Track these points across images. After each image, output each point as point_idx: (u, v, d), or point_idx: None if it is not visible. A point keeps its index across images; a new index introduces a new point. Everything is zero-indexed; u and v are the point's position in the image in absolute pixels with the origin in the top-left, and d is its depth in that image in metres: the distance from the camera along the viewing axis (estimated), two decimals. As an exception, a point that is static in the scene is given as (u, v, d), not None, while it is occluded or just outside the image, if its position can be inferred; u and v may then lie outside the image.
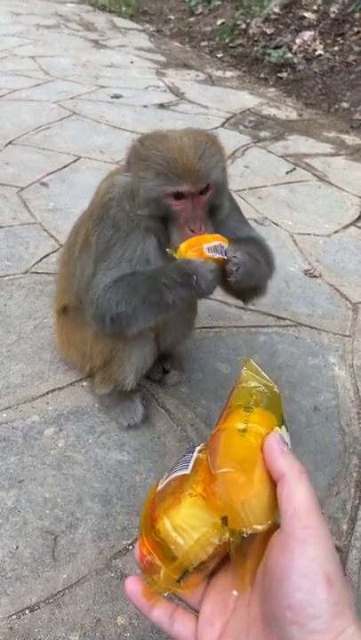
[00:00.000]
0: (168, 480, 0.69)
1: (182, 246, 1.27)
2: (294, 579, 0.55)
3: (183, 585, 0.65)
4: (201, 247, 1.25)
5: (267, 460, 0.62)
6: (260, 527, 0.60)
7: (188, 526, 0.62)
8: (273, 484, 0.61)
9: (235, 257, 1.26)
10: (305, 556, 0.55)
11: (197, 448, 0.72)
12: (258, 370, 0.74)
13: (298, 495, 0.59)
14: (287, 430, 0.68)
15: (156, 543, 0.64)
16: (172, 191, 1.26)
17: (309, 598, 0.54)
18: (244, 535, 0.61)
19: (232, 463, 0.61)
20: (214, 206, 1.35)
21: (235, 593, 0.64)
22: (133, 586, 0.68)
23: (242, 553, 0.62)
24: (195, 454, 0.70)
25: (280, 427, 0.66)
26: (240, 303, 2.21)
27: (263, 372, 0.73)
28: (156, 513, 0.66)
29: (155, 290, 1.30)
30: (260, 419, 0.66)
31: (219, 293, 1.94)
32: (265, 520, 0.61)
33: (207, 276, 1.24)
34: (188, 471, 0.68)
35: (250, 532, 0.61)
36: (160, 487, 0.70)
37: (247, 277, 1.29)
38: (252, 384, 0.71)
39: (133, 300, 1.34)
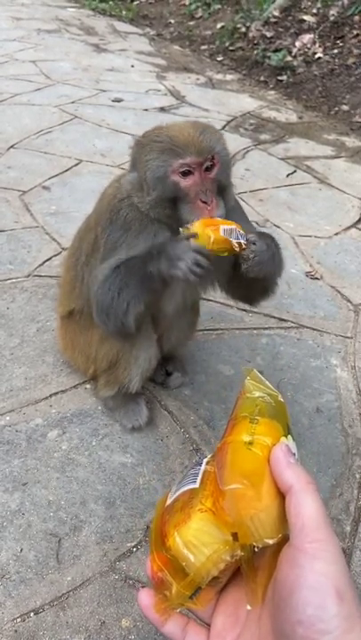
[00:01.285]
0: (177, 494, 0.68)
1: (197, 223, 1.22)
2: (304, 594, 0.54)
3: (196, 601, 0.64)
4: (218, 227, 1.21)
5: (274, 473, 0.61)
6: (270, 541, 0.60)
7: (199, 543, 0.62)
8: (282, 496, 0.61)
9: (254, 244, 1.24)
10: (314, 571, 0.55)
11: (205, 460, 0.71)
12: (262, 379, 0.73)
13: (306, 508, 0.58)
14: (294, 439, 0.68)
15: (168, 560, 0.64)
16: (178, 164, 1.26)
17: (320, 613, 0.53)
18: (255, 550, 0.61)
19: (239, 478, 0.61)
20: (222, 185, 1.33)
21: (248, 607, 0.63)
22: (146, 599, 0.67)
23: (254, 567, 0.61)
24: (203, 467, 0.69)
25: (286, 436, 0.66)
26: (242, 305, 2.23)
27: (267, 382, 0.73)
28: (167, 529, 0.65)
29: (142, 263, 1.28)
30: (265, 430, 0.65)
31: (221, 296, 1.94)
32: (275, 534, 0.60)
33: (186, 263, 1.18)
34: (196, 485, 0.67)
35: (261, 546, 0.60)
36: (169, 501, 0.69)
37: (259, 268, 1.26)
38: (257, 394, 0.70)
39: (124, 279, 1.30)
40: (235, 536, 0.61)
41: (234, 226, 1.24)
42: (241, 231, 1.25)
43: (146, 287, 1.30)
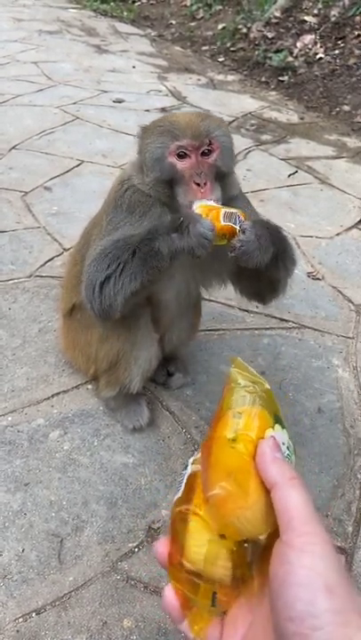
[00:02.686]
0: (172, 507, 0.68)
1: (197, 206, 1.21)
2: (294, 590, 0.54)
3: (218, 607, 0.64)
4: (219, 210, 1.19)
5: (259, 469, 0.61)
6: (261, 537, 0.60)
7: (195, 551, 0.62)
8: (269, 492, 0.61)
9: (243, 233, 1.19)
10: (302, 566, 0.54)
11: (190, 460, 0.70)
12: (246, 367, 0.71)
13: (291, 502, 0.58)
14: (283, 427, 0.66)
15: (181, 576, 0.64)
16: (175, 146, 1.27)
17: (310, 609, 0.52)
18: (246, 546, 0.61)
19: (224, 478, 0.60)
20: (221, 172, 1.32)
21: (242, 600, 0.64)
22: (169, 594, 0.66)
23: (247, 562, 0.61)
24: (188, 469, 0.69)
25: (273, 426, 0.64)
26: (243, 306, 2.23)
27: (252, 369, 0.71)
28: (172, 548, 0.65)
29: (147, 239, 1.24)
30: (250, 422, 0.64)
31: (222, 296, 1.94)
32: (265, 529, 0.60)
33: (200, 227, 1.16)
34: (179, 494, 0.67)
35: (253, 542, 0.60)
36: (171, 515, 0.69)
37: (246, 257, 1.22)
38: (242, 383, 0.69)
39: (125, 254, 1.26)
40: (223, 536, 0.61)
41: (235, 210, 1.22)
42: (242, 217, 1.22)
43: (148, 265, 1.25)
